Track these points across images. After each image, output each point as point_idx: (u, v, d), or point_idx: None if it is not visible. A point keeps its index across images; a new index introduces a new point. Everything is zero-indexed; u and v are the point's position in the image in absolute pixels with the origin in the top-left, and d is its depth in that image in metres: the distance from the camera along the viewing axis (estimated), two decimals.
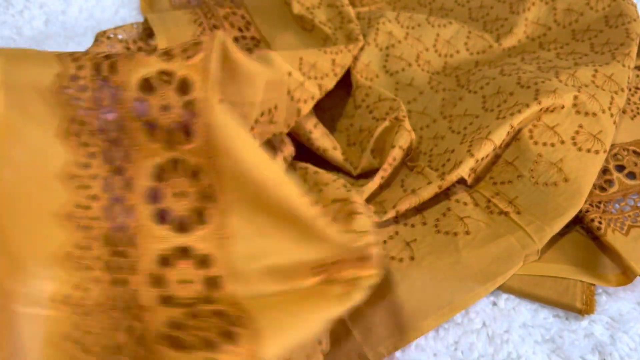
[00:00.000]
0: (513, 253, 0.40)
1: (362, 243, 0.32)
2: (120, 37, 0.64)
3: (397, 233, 0.43)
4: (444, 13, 0.64)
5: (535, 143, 0.43)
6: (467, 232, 0.41)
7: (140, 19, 0.71)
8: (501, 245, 0.40)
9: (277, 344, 0.27)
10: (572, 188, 0.41)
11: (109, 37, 0.62)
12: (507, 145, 0.45)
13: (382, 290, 0.38)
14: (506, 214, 0.42)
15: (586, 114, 0.44)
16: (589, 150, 0.43)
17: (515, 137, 0.44)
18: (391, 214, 0.42)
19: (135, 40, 0.63)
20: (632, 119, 0.48)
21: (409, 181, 0.46)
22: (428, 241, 0.41)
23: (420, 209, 0.44)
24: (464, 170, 0.43)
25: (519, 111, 0.43)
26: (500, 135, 0.43)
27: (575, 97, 0.44)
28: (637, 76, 0.52)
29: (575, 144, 0.43)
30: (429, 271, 0.39)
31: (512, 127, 0.43)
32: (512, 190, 0.43)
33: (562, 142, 0.43)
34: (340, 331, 0.38)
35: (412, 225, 0.43)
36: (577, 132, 0.44)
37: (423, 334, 0.37)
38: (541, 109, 0.44)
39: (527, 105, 0.43)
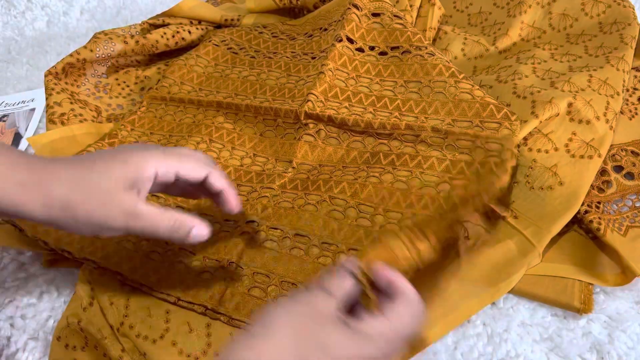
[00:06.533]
0: (512, 258, 0.40)
1: None
2: (118, 33, 0.64)
3: None
4: (443, 20, 0.65)
5: (530, 150, 0.44)
6: (467, 238, 0.41)
7: (141, 20, 0.72)
8: (500, 251, 0.40)
9: None
10: (568, 191, 0.41)
11: (106, 34, 0.63)
12: None
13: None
14: (503, 218, 0.42)
15: (580, 121, 0.45)
16: (582, 157, 0.43)
17: None
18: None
19: (132, 35, 0.64)
20: (630, 119, 0.49)
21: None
22: None
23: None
24: None
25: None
26: None
27: (570, 105, 0.45)
28: (635, 77, 0.52)
29: (568, 151, 0.44)
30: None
31: None
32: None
33: (556, 149, 0.44)
34: None
35: None
36: (570, 140, 0.44)
37: (431, 343, 0.37)
38: (539, 122, 0.44)
39: (526, 121, 0.44)
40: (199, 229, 0.34)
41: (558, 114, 0.45)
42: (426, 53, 0.50)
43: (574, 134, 0.44)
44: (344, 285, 0.29)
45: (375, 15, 0.55)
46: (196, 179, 0.35)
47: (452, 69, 0.48)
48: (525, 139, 0.44)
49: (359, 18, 0.54)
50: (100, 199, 0.31)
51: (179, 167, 0.34)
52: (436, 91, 0.47)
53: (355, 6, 0.55)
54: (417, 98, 0.49)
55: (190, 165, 0.34)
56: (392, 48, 0.52)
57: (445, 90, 0.47)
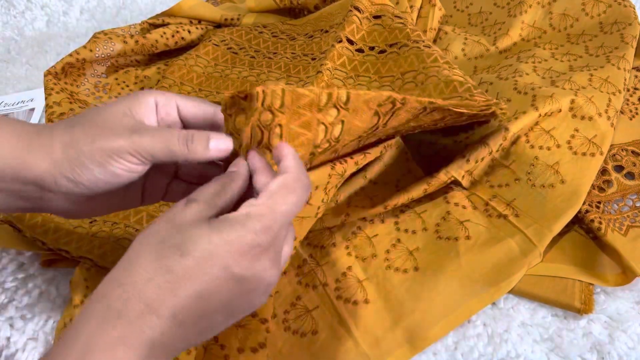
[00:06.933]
0: (513, 257, 0.40)
1: None
2: (117, 33, 0.64)
3: (399, 241, 0.43)
4: (444, 20, 0.65)
5: (532, 147, 0.44)
6: (468, 237, 0.41)
7: (141, 20, 0.72)
8: (501, 250, 0.40)
9: None
10: (570, 189, 0.41)
11: (105, 34, 0.63)
12: (503, 149, 0.45)
13: (390, 303, 0.39)
14: (505, 217, 0.42)
15: (582, 117, 0.45)
16: (584, 154, 0.43)
17: (512, 141, 0.45)
18: (379, 209, 0.42)
19: (132, 35, 0.64)
20: (630, 119, 0.49)
21: (403, 181, 0.46)
22: (430, 249, 0.41)
23: (419, 212, 0.44)
24: (456, 171, 0.43)
25: (516, 118, 0.44)
26: (496, 140, 0.43)
27: (572, 101, 0.45)
28: (636, 77, 0.52)
29: (570, 147, 0.44)
30: (433, 280, 0.39)
31: (507, 130, 0.44)
32: (510, 193, 0.43)
33: (558, 145, 0.44)
34: (349, 344, 0.37)
35: (414, 232, 0.43)
36: (572, 136, 0.44)
37: (431, 343, 0.37)
38: (539, 115, 0.44)
39: (525, 112, 0.44)
40: (219, 139, 0.28)
41: (560, 110, 0.45)
42: (423, 45, 0.49)
43: (577, 130, 0.44)
44: (206, 189, 0.26)
45: (376, 17, 0.55)
46: (203, 114, 0.30)
47: (447, 59, 0.48)
48: (526, 135, 0.44)
49: (360, 20, 0.54)
50: (101, 123, 0.28)
51: (180, 100, 0.30)
52: (430, 75, 0.47)
53: (357, 8, 0.55)
54: (412, 87, 0.48)
55: (192, 100, 0.31)
56: (391, 45, 0.52)
57: (439, 73, 0.46)
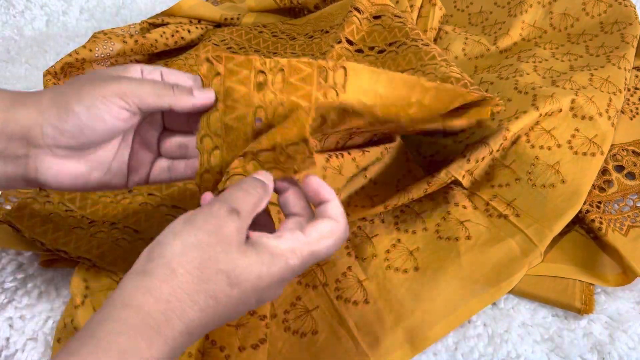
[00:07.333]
0: (514, 257, 0.40)
1: None
2: (117, 33, 0.64)
3: (399, 241, 0.43)
4: (444, 19, 0.65)
5: (532, 146, 0.44)
6: (468, 237, 0.41)
7: (141, 19, 0.71)
8: (502, 250, 0.40)
9: None
10: (570, 189, 0.41)
11: (105, 34, 0.63)
12: (504, 149, 0.45)
13: (390, 302, 0.39)
14: (505, 217, 0.42)
15: (583, 117, 0.45)
16: (585, 154, 0.43)
17: (513, 141, 0.45)
18: (379, 209, 0.42)
19: (132, 34, 0.64)
20: (631, 119, 0.49)
21: (403, 181, 0.46)
22: (430, 249, 0.41)
23: (419, 212, 0.44)
24: (456, 171, 0.43)
25: (517, 117, 0.44)
26: (496, 139, 0.43)
27: (573, 101, 0.45)
28: (636, 76, 0.53)
29: (571, 147, 0.44)
30: (433, 280, 0.39)
31: (507, 130, 0.44)
32: (510, 193, 0.43)
33: (559, 145, 0.44)
34: (349, 344, 0.37)
35: (414, 232, 0.43)
36: (573, 136, 0.44)
37: (432, 343, 0.37)
38: (540, 115, 0.44)
39: (525, 112, 0.44)
40: (201, 90, 0.30)
41: (561, 109, 0.45)
42: (422, 44, 0.49)
43: (577, 130, 0.44)
44: (251, 200, 0.26)
45: (376, 17, 0.55)
46: (185, 76, 0.32)
47: (445, 56, 0.48)
48: (527, 134, 0.44)
49: (359, 21, 0.54)
50: (90, 78, 0.29)
51: (164, 69, 0.32)
52: (427, 72, 0.46)
53: (357, 9, 0.55)
54: None
55: (176, 70, 0.32)
56: (390, 44, 0.52)
57: (436, 70, 0.45)
